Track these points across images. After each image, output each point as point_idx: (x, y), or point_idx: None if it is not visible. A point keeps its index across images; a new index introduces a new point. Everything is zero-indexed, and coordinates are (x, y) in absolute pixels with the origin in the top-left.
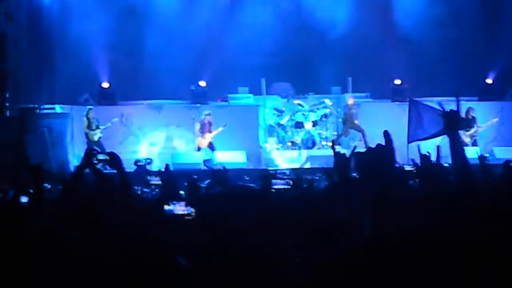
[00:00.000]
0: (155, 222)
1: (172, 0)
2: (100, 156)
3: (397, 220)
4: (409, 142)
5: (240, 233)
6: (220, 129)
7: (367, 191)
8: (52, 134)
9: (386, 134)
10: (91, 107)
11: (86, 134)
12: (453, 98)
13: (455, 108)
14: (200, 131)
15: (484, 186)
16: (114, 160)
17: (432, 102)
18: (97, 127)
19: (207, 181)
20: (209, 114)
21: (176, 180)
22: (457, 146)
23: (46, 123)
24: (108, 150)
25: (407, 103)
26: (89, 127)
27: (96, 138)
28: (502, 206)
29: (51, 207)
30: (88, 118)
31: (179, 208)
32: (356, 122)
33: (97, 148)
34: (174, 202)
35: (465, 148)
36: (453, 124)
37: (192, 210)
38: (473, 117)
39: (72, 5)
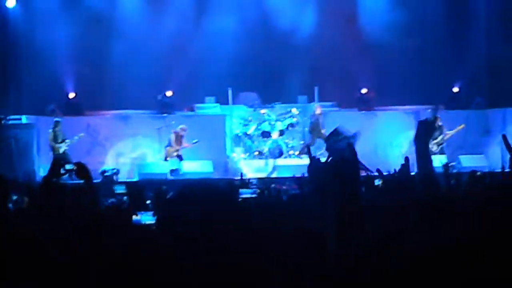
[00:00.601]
0: (122, 232)
1: (137, 10)
2: (67, 166)
3: (362, 229)
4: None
5: (203, 239)
6: (190, 145)
7: (333, 203)
8: (18, 145)
9: (351, 146)
10: (59, 119)
11: (52, 147)
12: (418, 107)
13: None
14: (175, 142)
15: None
16: (82, 170)
17: (398, 110)
18: (63, 141)
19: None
20: (185, 130)
21: (143, 190)
22: (423, 155)
23: (13, 133)
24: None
25: (374, 111)
26: (54, 139)
27: (61, 150)
28: (467, 215)
29: (18, 217)
30: (54, 131)
31: (146, 218)
32: (323, 131)
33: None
34: (142, 212)
35: (431, 156)
36: (421, 134)
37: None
38: (440, 125)
39: (38, 15)
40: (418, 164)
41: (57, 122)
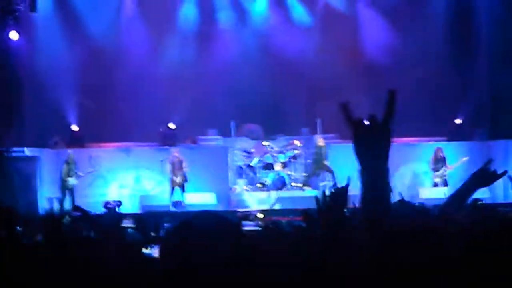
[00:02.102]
0: (135, 265)
1: (141, 43)
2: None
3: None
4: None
5: (205, 271)
6: (188, 168)
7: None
8: (20, 177)
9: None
10: (71, 152)
11: (63, 181)
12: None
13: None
14: (172, 171)
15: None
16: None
17: (400, 142)
18: (75, 173)
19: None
20: (177, 152)
21: (149, 223)
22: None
23: (15, 166)
24: (76, 195)
25: None
26: (68, 173)
27: (70, 187)
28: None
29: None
30: (68, 163)
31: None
32: (325, 162)
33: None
34: (152, 245)
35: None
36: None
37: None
38: (442, 157)
39: (41, 48)
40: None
41: (70, 155)
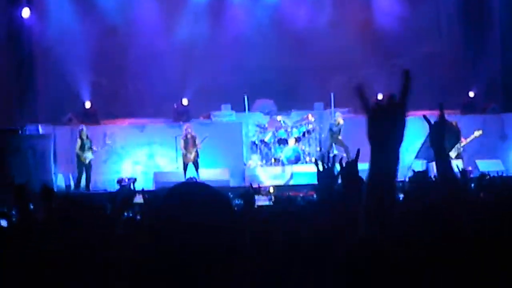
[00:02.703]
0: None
1: (153, 19)
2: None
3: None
4: (416, 158)
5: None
6: (200, 144)
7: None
8: (35, 155)
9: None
10: (82, 126)
11: (78, 156)
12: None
13: (438, 120)
14: (184, 147)
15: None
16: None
17: (413, 116)
18: (90, 148)
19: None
20: (189, 128)
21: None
22: (442, 159)
23: (29, 143)
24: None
25: None
26: (81, 148)
27: (87, 161)
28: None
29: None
30: (81, 139)
31: None
32: (339, 137)
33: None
34: None
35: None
36: (438, 136)
37: None
38: (457, 130)
39: (54, 25)
40: (436, 166)
41: (82, 129)
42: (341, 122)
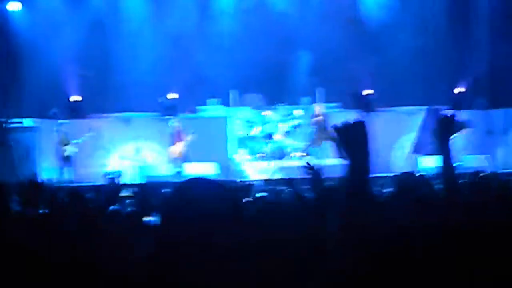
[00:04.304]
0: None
1: (140, 12)
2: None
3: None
4: (414, 153)
5: (205, 240)
6: (189, 137)
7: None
8: (20, 148)
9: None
10: (62, 121)
11: (59, 151)
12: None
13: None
14: (171, 142)
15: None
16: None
17: (400, 111)
18: (69, 142)
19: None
20: (178, 123)
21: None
22: (447, 155)
23: (14, 136)
24: (78, 165)
25: (376, 112)
26: (61, 142)
27: (66, 154)
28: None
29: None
30: (60, 133)
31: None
32: (327, 132)
33: None
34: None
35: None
36: (445, 132)
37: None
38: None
39: (40, 19)
40: (444, 164)
41: (60, 125)
42: (317, 112)
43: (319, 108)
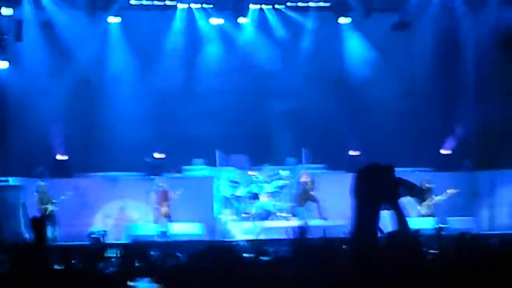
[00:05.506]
0: None
1: (126, 72)
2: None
3: None
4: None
5: None
6: (174, 195)
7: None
8: (5, 206)
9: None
10: (42, 183)
11: (39, 209)
12: (407, 169)
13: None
14: (156, 201)
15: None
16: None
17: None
18: (49, 201)
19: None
20: (163, 183)
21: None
22: (400, 217)
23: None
24: (62, 224)
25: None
26: (40, 202)
27: (47, 212)
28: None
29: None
30: (39, 193)
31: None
32: (311, 193)
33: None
34: (138, 278)
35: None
36: (392, 194)
37: (158, 286)
38: (428, 187)
39: (27, 76)
40: (398, 225)
41: (39, 185)
42: (305, 180)
43: (304, 175)
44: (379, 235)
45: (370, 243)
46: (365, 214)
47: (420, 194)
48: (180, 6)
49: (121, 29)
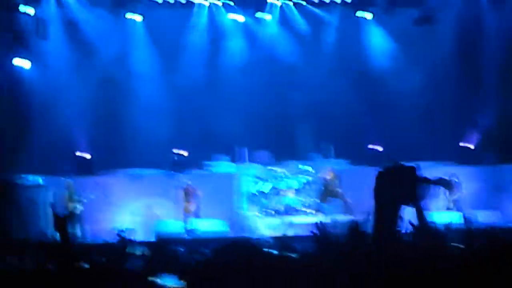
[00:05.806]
0: None
1: (149, 69)
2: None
3: None
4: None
5: None
6: (200, 194)
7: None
8: (30, 205)
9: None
10: (70, 180)
11: (66, 207)
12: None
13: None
14: (185, 198)
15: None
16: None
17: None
18: (77, 199)
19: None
20: (188, 180)
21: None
22: (421, 214)
23: (25, 193)
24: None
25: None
26: (69, 200)
27: (76, 210)
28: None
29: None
30: (67, 190)
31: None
32: (336, 189)
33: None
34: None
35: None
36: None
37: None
38: (456, 182)
39: (51, 75)
40: (418, 221)
41: (68, 182)
42: (329, 177)
43: (329, 172)
44: (404, 231)
45: (392, 240)
46: (388, 213)
47: (449, 187)
48: (202, 2)
49: (143, 26)
